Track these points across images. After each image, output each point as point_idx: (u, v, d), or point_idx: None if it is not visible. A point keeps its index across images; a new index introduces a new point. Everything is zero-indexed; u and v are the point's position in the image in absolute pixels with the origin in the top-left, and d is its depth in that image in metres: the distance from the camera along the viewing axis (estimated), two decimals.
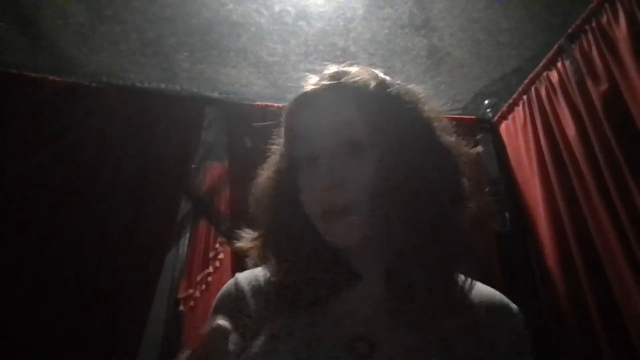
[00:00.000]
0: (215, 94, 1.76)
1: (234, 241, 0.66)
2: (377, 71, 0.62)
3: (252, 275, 0.64)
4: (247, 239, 0.64)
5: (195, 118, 1.65)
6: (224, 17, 1.48)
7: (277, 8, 1.46)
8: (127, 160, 1.48)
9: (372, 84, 0.59)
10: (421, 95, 0.62)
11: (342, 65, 0.63)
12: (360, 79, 0.59)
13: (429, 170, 0.55)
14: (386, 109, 0.57)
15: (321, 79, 0.61)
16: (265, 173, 0.65)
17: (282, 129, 0.64)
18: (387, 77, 0.62)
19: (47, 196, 1.36)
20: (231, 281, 0.65)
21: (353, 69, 0.61)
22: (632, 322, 1.16)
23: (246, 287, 0.62)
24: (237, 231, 0.65)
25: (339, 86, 0.58)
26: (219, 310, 0.63)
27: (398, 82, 0.62)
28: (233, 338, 0.58)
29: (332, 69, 0.62)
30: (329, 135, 0.56)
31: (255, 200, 0.64)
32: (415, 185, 0.53)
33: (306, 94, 0.60)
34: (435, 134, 0.59)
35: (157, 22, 1.49)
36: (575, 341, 1.35)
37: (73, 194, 1.39)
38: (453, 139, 0.60)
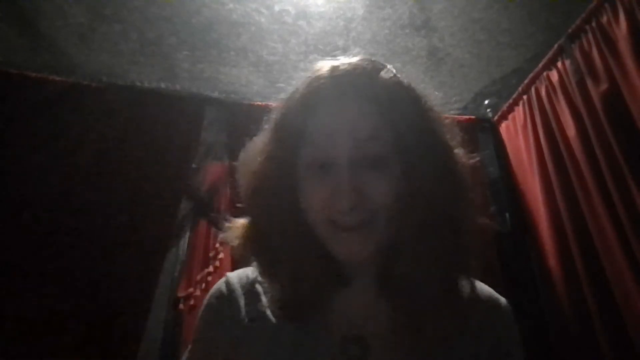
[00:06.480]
0: (215, 94, 1.76)
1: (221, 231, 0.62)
2: (393, 70, 0.56)
3: (244, 274, 0.62)
4: (234, 230, 0.60)
5: (195, 118, 1.66)
6: (224, 16, 1.48)
7: (277, 7, 1.46)
8: (127, 160, 1.49)
9: (398, 89, 0.54)
10: (433, 99, 0.57)
11: (353, 56, 0.56)
12: (384, 81, 0.53)
13: (449, 187, 0.53)
14: (411, 121, 0.53)
15: (336, 74, 0.53)
16: (257, 156, 0.58)
17: (282, 122, 0.57)
18: (404, 78, 0.56)
19: (47, 196, 1.36)
20: (222, 281, 0.63)
21: (368, 65, 0.55)
22: (632, 322, 1.16)
23: (237, 287, 0.61)
24: (225, 222, 0.62)
25: (362, 90, 0.53)
26: (208, 311, 0.61)
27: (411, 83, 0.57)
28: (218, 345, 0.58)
29: (345, 61, 0.55)
30: (351, 144, 0.51)
31: (245, 185, 0.58)
32: (434, 202, 0.51)
33: (323, 91, 0.53)
34: (453, 149, 0.56)
35: (157, 21, 1.49)
36: (575, 341, 1.35)
37: (73, 194, 1.39)
38: (460, 148, 0.57)
